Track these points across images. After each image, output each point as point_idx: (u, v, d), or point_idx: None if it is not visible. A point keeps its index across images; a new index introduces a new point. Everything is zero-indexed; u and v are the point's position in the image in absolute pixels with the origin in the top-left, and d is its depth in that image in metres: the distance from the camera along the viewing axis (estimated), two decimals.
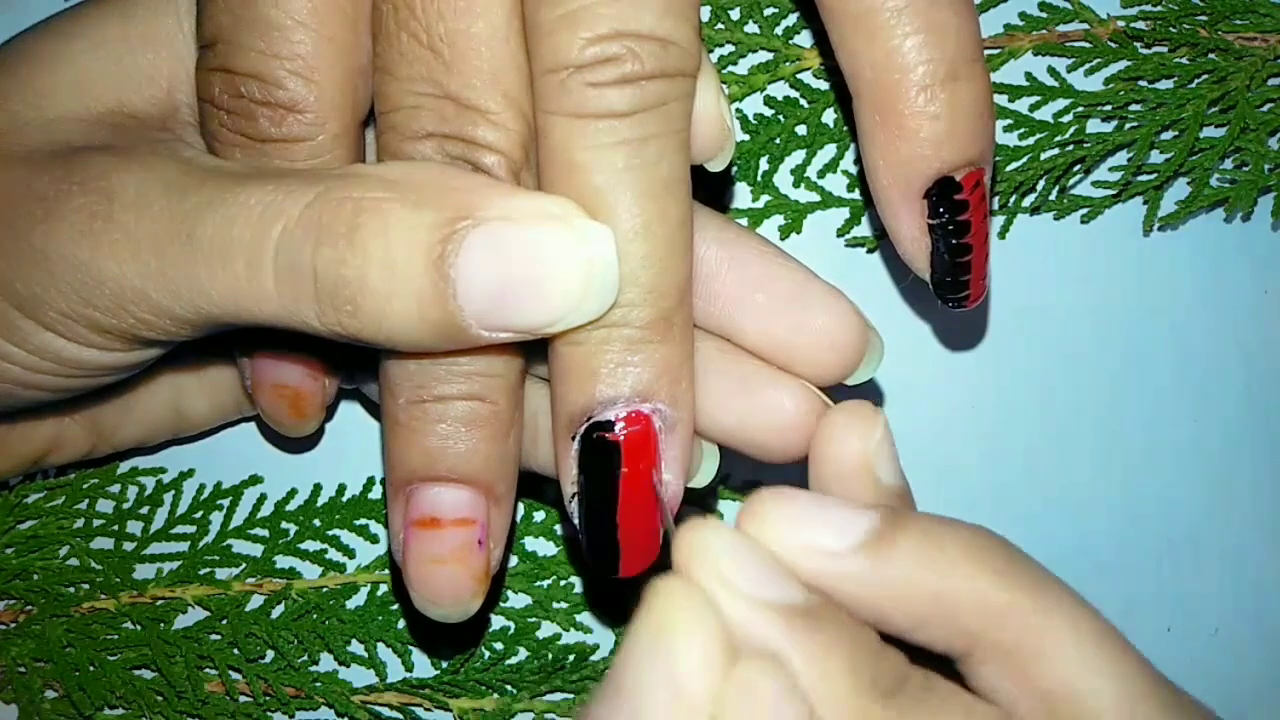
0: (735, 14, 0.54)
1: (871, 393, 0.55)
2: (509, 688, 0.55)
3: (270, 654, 0.55)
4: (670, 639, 0.30)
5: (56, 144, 0.41)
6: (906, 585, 0.34)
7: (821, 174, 0.56)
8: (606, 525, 0.40)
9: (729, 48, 0.54)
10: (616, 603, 0.56)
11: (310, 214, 0.37)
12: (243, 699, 0.55)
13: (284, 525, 0.56)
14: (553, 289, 0.37)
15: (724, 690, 0.30)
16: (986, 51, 0.50)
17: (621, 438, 0.39)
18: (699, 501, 0.55)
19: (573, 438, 0.40)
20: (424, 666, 0.56)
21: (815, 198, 0.55)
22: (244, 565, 0.56)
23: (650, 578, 0.36)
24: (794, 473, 0.43)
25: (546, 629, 0.56)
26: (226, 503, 0.56)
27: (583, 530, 0.41)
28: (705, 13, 0.54)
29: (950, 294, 0.45)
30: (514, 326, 0.37)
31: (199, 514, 0.56)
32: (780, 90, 0.55)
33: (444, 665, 0.56)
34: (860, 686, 0.32)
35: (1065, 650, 0.34)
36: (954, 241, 0.44)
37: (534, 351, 0.41)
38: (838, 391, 0.44)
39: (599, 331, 0.39)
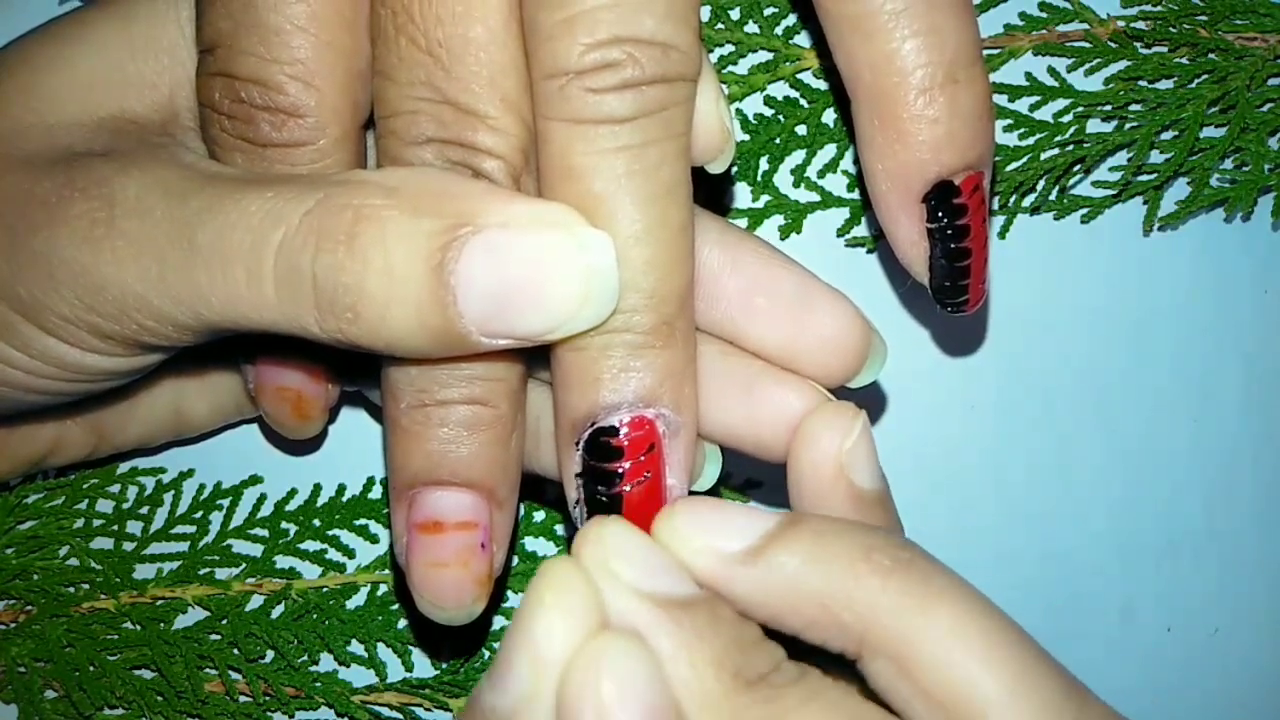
0: (735, 14, 0.54)
1: (872, 393, 0.55)
2: None
3: (270, 654, 0.55)
4: (538, 611, 0.32)
5: (57, 149, 0.41)
6: (793, 587, 0.35)
7: (821, 174, 0.56)
8: None
9: (729, 48, 0.54)
10: None
11: (310, 221, 0.37)
12: (243, 699, 0.55)
13: (284, 525, 0.56)
14: (552, 296, 0.37)
15: (576, 654, 0.32)
16: (986, 51, 0.50)
17: (625, 443, 0.39)
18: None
19: (576, 444, 0.40)
20: (424, 666, 0.56)
21: (815, 198, 0.55)
22: (244, 565, 0.56)
23: None
24: None
25: None
26: (226, 503, 0.56)
27: None
28: (705, 13, 0.53)
29: (949, 299, 0.45)
30: (514, 333, 0.37)
31: (199, 514, 0.56)
32: (780, 90, 0.55)
33: (444, 665, 0.56)
34: (723, 675, 0.33)
35: (948, 647, 0.34)
36: (953, 246, 0.44)
37: (536, 354, 0.41)
38: (840, 394, 0.44)
39: (601, 338, 0.39)
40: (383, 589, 0.56)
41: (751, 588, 0.35)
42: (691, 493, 0.42)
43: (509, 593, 0.56)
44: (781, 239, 0.56)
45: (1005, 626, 0.35)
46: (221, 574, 0.56)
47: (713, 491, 0.45)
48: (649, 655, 0.33)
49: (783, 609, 0.35)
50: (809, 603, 0.35)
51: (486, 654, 0.55)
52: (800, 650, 0.36)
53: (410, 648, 0.56)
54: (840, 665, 0.36)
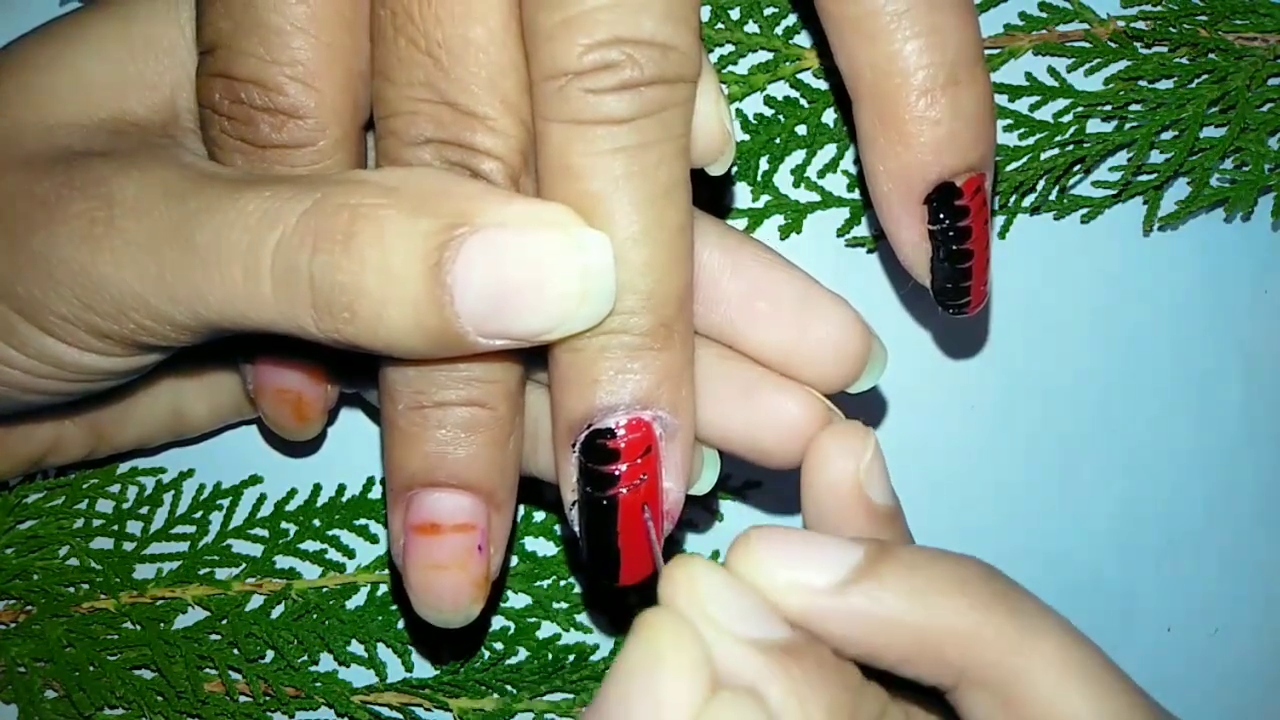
0: (735, 14, 0.54)
1: (873, 394, 0.55)
2: (509, 688, 0.55)
3: (270, 654, 0.55)
4: (656, 669, 0.31)
5: (57, 149, 0.41)
6: (890, 621, 0.34)
7: (821, 174, 0.56)
8: (607, 533, 0.40)
9: (729, 48, 0.54)
10: (616, 604, 0.56)
11: (307, 220, 0.37)
12: (243, 699, 0.55)
13: (284, 525, 0.56)
14: (549, 296, 0.37)
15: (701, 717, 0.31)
16: (986, 51, 0.50)
17: (622, 445, 0.39)
18: (700, 503, 0.55)
19: (573, 445, 0.40)
20: (424, 666, 0.56)
21: (815, 198, 0.55)
22: (244, 565, 0.56)
23: (649, 586, 0.36)
24: (794, 476, 0.43)
25: (546, 629, 0.56)
26: (226, 503, 0.56)
27: (583, 538, 0.41)
28: (705, 13, 0.53)
29: (951, 300, 0.45)
30: (511, 333, 0.37)
31: (199, 514, 0.56)
32: (780, 90, 0.55)
33: (444, 665, 0.56)
34: None
35: (1046, 679, 0.34)
36: (954, 247, 0.44)
37: (534, 356, 0.41)
38: (839, 398, 0.44)
39: (599, 339, 0.39)
40: (383, 589, 0.56)
41: (847, 625, 0.34)
42: (689, 504, 0.42)
43: (508, 592, 0.56)
44: (781, 239, 0.56)
45: (1102, 660, 0.35)
46: (221, 574, 0.56)
47: (711, 494, 0.45)
48: (767, 713, 0.32)
49: (877, 645, 0.35)
50: (906, 638, 0.34)
51: (486, 654, 0.56)
52: (888, 683, 0.36)
53: (410, 648, 0.56)
54: (927, 697, 0.36)
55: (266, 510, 0.56)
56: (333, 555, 0.56)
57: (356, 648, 0.56)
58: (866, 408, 0.56)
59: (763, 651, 0.33)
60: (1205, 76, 0.54)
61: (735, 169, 0.55)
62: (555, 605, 0.56)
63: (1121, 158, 0.55)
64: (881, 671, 0.35)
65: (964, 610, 0.34)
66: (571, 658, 0.55)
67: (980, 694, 0.34)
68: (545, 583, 0.56)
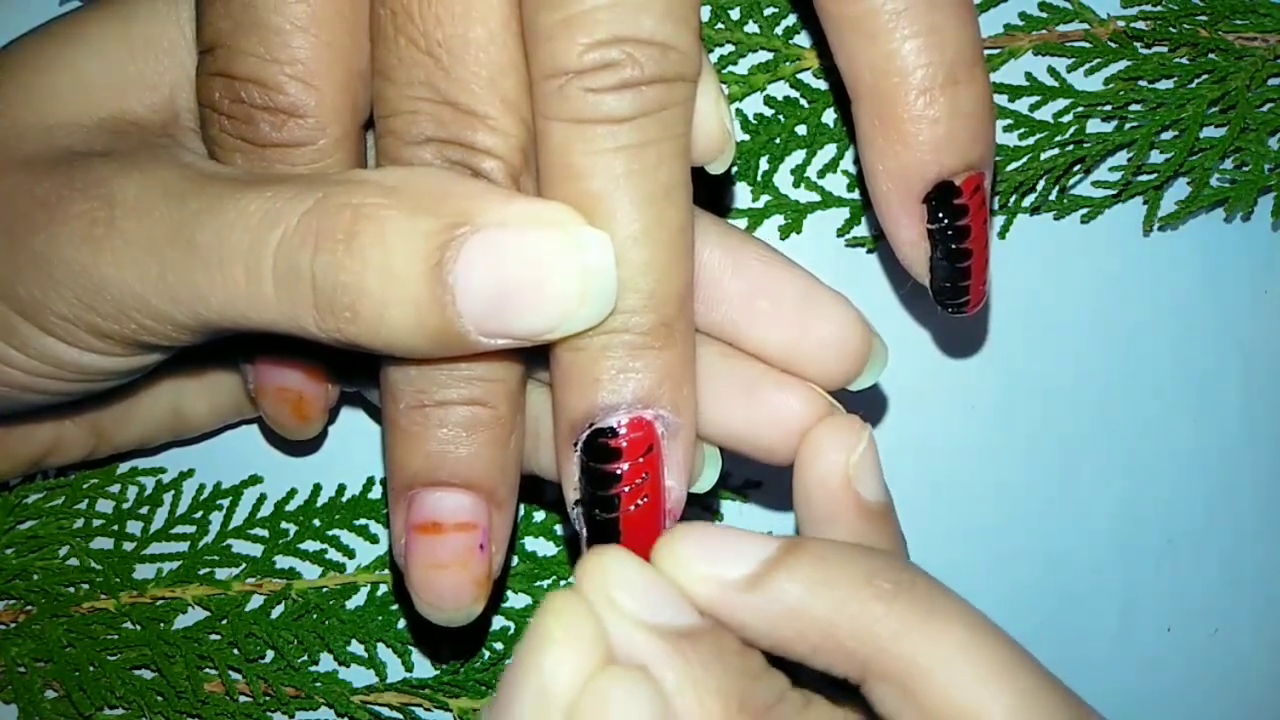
0: (735, 14, 0.54)
1: (873, 394, 0.55)
2: None
3: (270, 654, 0.55)
4: (545, 645, 0.32)
5: (57, 149, 0.40)
6: (794, 613, 0.35)
7: (821, 174, 0.56)
8: (609, 532, 0.40)
9: (729, 48, 0.54)
10: None
11: (309, 220, 0.37)
12: (243, 699, 0.55)
13: (284, 525, 0.56)
14: (550, 295, 0.37)
15: (582, 693, 0.32)
16: (986, 51, 0.50)
17: (624, 444, 0.39)
18: (700, 501, 0.55)
19: (575, 444, 0.40)
20: (424, 666, 0.56)
21: (815, 198, 0.55)
22: (244, 565, 0.56)
23: None
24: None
25: None
26: (226, 503, 0.56)
27: (585, 537, 0.41)
28: (705, 13, 0.53)
29: (950, 300, 0.45)
30: (512, 333, 0.37)
31: (199, 514, 0.56)
32: (780, 90, 0.55)
33: (444, 665, 0.56)
34: (729, 707, 0.33)
35: (952, 670, 0.34)
36: (953, 247, 0.44)
37: (535, 355, 0.41)
38: (840, 396, 0.44)
39: (600, 338, 0.39)
40: (383, 589, 0.56)
41: (754, 615, 0.35)
42: (692, 496, 0.42)
43: (509, 593, 0.56)
44: (781, 239, 0.56)
45: (1009, 649, 0.35)
46: (221, 574, 0.56)
47: (712, 493, 0.45)
48: (655, 690, 0.33)
49: (786, 636, 0.35)
50: (812, 629, 0.35)
51: (486, 654, 0.56)
52: (803, 677, 0.36)
53: (410, 648, 0.56)
54: (844, 691, 0.36)
55: (266, 510, 0.56)
56: (333, 555, 0.56)
57: (356, 648, 0.56)
58: (866, 407, 0.56)
59: (662, 636, 0.34)
60: (1205, 76, 0.54)
61: (735, 169, 0.55)
62: None
63: (1121, 158, 0.55)
64: (798, 665, 0.36)
65: (866, 601, 0.35)
66: None
67: (885, 685, 0.35)
68: (545, 583, 0.56)
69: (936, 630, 0.34)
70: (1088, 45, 0.54)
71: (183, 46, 0.42)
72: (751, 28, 0.54)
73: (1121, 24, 0.54)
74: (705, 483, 0.45)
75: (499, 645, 0.56)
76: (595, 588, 0.34)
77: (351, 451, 0.56)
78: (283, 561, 0.56)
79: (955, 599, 0.36)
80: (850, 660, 0.35)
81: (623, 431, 0.39)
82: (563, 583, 0.56)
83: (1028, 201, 0.56)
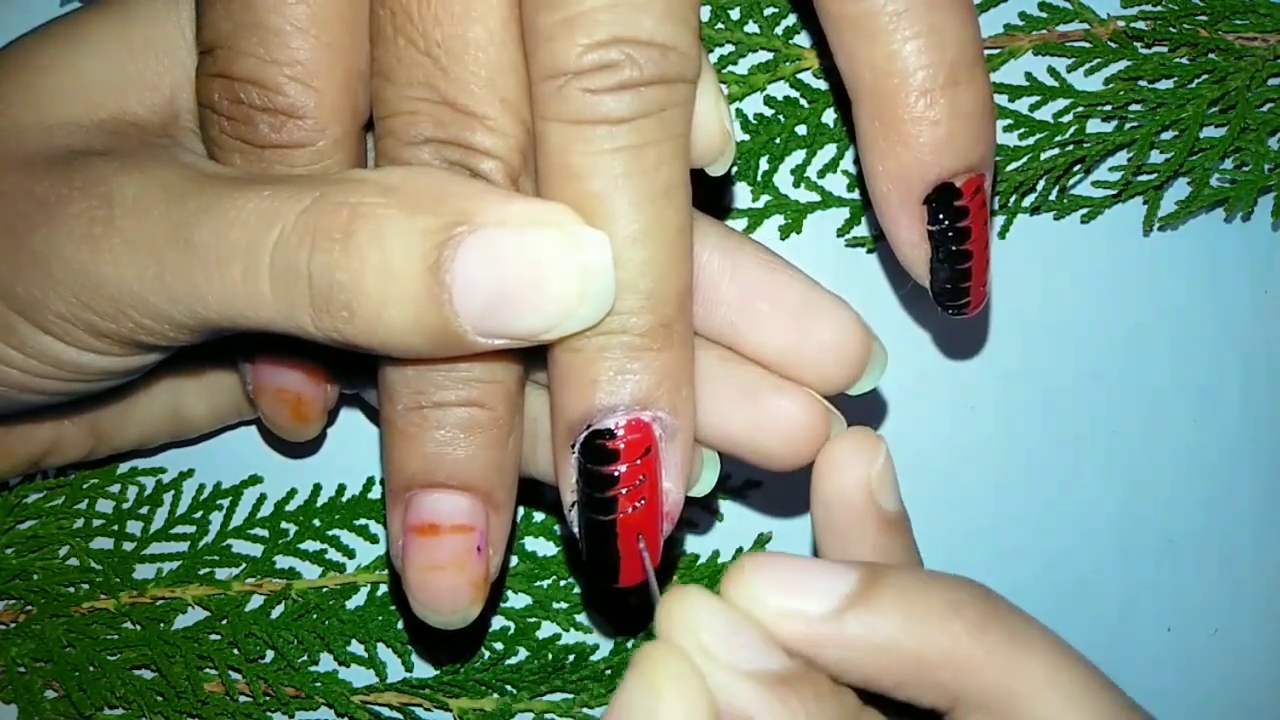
0: (735, 14, 0.54)
1: (873, 394, 0.55)
2: (509, 688, 0.55)
3: (270, 654, 0.55)
4: (655, 704, 0.32)
5: (57, 148, 0.41)
6: (884, 647, 0.35)
7: (821, 174, 0.56)
8: (606, 534, 0.40)
9: (729, 48, 0.54)
10: (616, 604, 0.56)
11: (306, 219, 0.37)
12: (243, 699, 0.55)
13: (284, 525, 0.56)
14: (548, 295, 0.37)
15: None
16: (986, 51, 0.50)
17: (622, 446, 0.39)
18: (699, 503, 0.55)
19: (573, 446, 0.40)
20: (424, 666, 0.56)
21: (815, 198, 0.55)
22: (244, 565, 0.56)
23: (649, 588, 0.36)
24: (794, 477, 0.43)
25: (546, 629, 0.56)
26: (226, 503, 0.56)
27: (582, 539, 0.41)
28: (705, 13, 0.53)
29: (950, 301, 0.45)
30: (510, 333, 0.37)
31: (199, 514, 0.56)
32: (780, 90, 0.55)
33: (444, 665, 0.56)
34: None
35: (1040, 699, 0.34)
36: (954, 248, 0.44)
37: (533, 357, 0.41)
38: (839, 400, 0.44)
39: (598, 339, 0.39)
40: (382, 589, 0.56)
41: (843, 652, 0.35)
42: (690, 504, 0.42)
43: (508, 592, 0.56)
44: (781, 239, 0.56)
45: (1095, 676, 0.35)
46: (221, 574, 0.56)
47: (711, 494, 0.45)
48: None
49: (876, 670, 0.35)
50: (902, 663, 0.35)
51: (486, 654, 0.56)
52: (887, 707, 0.36)
53: (410, 648, 0.56)
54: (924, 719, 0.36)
55: (266, 510, 0.56)
56: (333, 555, 0.56)
57: (356, 648, 0.56)
58: (867, 409, 0.56)
59: (760, 683, 0.34)
60: (1205, 76, 0.54)
61: (735, 169, 0.55)
62: (555, 605, 0.56)
63: (1121, 158, 0.55)
64: (880, 695, 0.36)
65: (957, 634, 0.35)
66: (571, 658, 0.55)
67: (976, 716, 0.35)
68: (545, 583, 0.56)
69: (1025, 659, 0.35)
70: (1088, 45, 0.54)
71: (183, 47, 0.42)
72: (751, 28, 0.54)
73: (1121, 24, 0.54)
74: (703, 486, 0.44)
75: (499, 645, 0.56)
76: (686, 635, 0.34)
77: (351, 452, 0.56)
78: (283, 561, 0.56)
79: (1038, 626, 0.36)
80: (940, 691, 0.35)
81: (620, 433, 0.39)
82: (563, 582, 0.56)
83: (1028, 201, 0.56)
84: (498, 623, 0.56)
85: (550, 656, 0.55)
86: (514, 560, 0.56)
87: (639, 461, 0.39)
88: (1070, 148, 0.54)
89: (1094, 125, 0.55)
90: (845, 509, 0.41)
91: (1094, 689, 0.35)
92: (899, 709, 0.36)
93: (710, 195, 0.55)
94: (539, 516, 0.56)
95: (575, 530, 0.41)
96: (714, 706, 0.33)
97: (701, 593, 0.34)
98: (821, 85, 0.55)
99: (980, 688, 0.34)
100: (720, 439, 0.44)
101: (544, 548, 0.56)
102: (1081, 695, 0.34)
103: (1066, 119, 0.55)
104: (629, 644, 0.56)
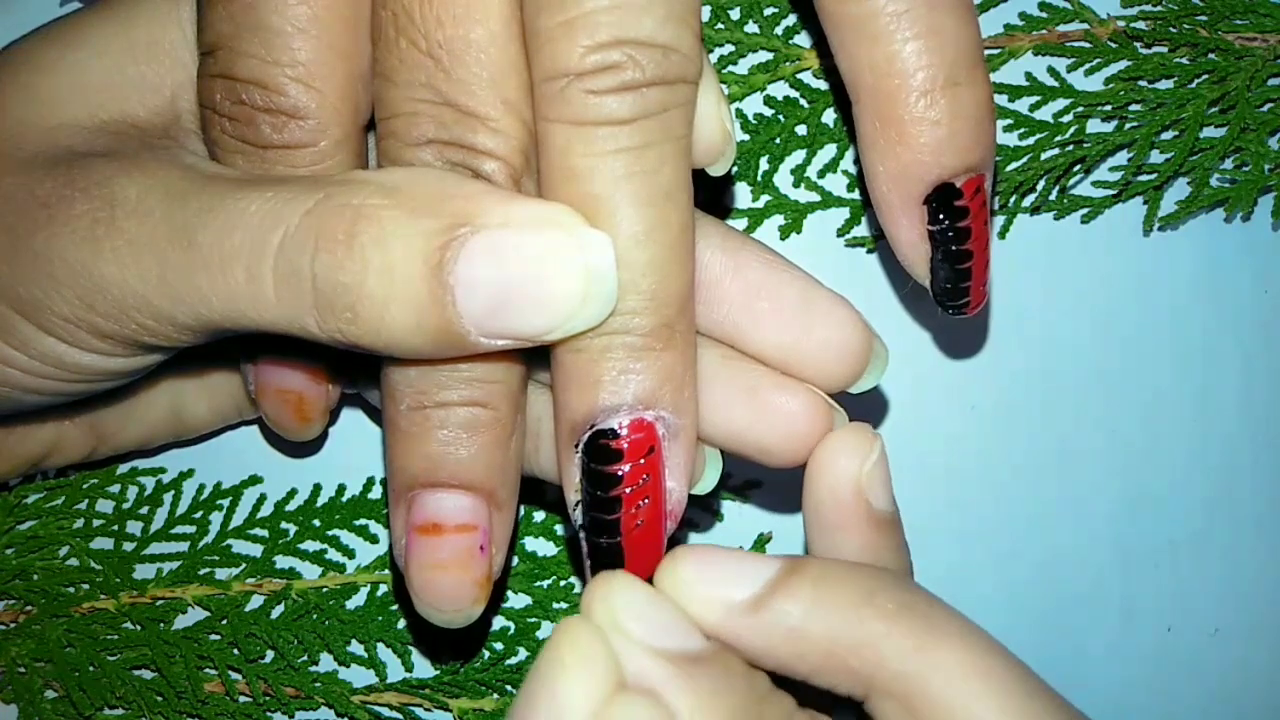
0: (735, 14, 0.54)
1: (873, 394, 0.55)
2: (509, 688, 0.55)
3: (270, 654, 0.55)
4: (559, 672, 0.33)
5: (58, 150, 0.41)
6: (796, 633, 0.36)
7: (821, 174, 0.56)
8: (610, 533, 0.40)
9: (729, 48, 0.54)
10: None
11: (310, 221, 0.37)
12: (243, 699, 0.55)
13: (284, 525, 0.56)
14: (551, 296, 0.37)
15: (596, 716, 0.33)
16: (986, 51, 0.50)
17: (625, 446, 0.39)
18: (700, 502, 0.55)
19: (576, 446, 0.40)
20: (424, 666, 0.56)
21: (815, 198, 0.55)
22: (244, 565, 0.56)
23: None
24: (795, 475, 0.43)
25: (546, 629, 0.56)
26: (226, 503, 0.56)
27: (586, 538, 0.41)
28: (705, 12, 0.53)
29: (950, 301, 0.45)
30: (512, 333, 0.37)
31: (199, 514, 0.56)
32: (780, 90, 0.55)
33: (444, 665, 0.56)
34: None
35: (950, 686, 0.35)
36: (954, 248, 0.44)
37: (536, 357, 0.41)
38: (841, 398, 0.44)
39: (601, 339, 0.39)
40: (383, 589, 0.56)
41: (758, 637, 0.36)
42: (691, 503, 0.42)
43: (509, 593, 0.56)
44: (781, 239, 0.56)
45: (1009, 665, 0.35)
46: (221, 574, 0.56)
47: (712, 493, 0.45)
48: (666, 715, 0.33)
49: (790, 656, 0.36)
50: (816, 649, 0.36)
51: (486, 654, 0.56)
52: (807, 694, 0.37)
53: (410, 648, 0.56)
54: (848, 707, 0.37)
55: (266, 510, 0.56)
56: (333, 555, 0.56)
57: (356, 648, 0.56)
58: (867, 408, 0.56)
59: (671, 661, 0.34)
60: (1205, 76, 0.54)
61: (735, 169, 0.55)
62: (555, 605, 0.56)
63: (1121, 158, 0.55)
64: (799, 681, 0.36)
65: (867, 620, 0.35)
66: None
67: (888, 703, 0.35)
68: (545, 583, 0.56)
69: (938, 648, 0.35)
70: (1088, 45, 0.54)
71: (184, 48, 0.42)
72: (751, 28, 0.54)
73: (1121, 24, 0.54)
74: (706, 484, 0.45)
75: (499, 645, 0.56)
76: (604, 613, 0.35)
77: (351, 452, 0.56)
78: (283, 561, 0.56)
79: (955, 616, 0.36)
80: (854, 678, 0.36)
81: (624, 433, 0.39)
82: (564, 582, 0.56)
83: (1028, 201, 0.56)
84: (498, 623, 0.56)
85: None
86: (514, 560, 0.56)
87: (642, 461, 0.39)
88: (1070, 148, 0.54)
89: (1094, 125, 0.55)
90: (835, 504, 0.42)
91: (1008, 679, 0.35)
92: (817, 695, 0.37)
93: (711, 195, 0.55)
94: (539, 516, 0.56)
95: (578, 530, 0.41)
96: (619, 680, 0.33)
97: (626, 576, 0.36)
98: (821, 85, 0.55)
99: (891, 676, 0.35)
100: (723, 437, 0.44)
101: (544, 548, 0.56)
102: (995, 684, 0.35)
103: (1066, 119, 0.55)
104: None
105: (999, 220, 0.56)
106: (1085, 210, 0.56)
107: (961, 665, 0.35)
